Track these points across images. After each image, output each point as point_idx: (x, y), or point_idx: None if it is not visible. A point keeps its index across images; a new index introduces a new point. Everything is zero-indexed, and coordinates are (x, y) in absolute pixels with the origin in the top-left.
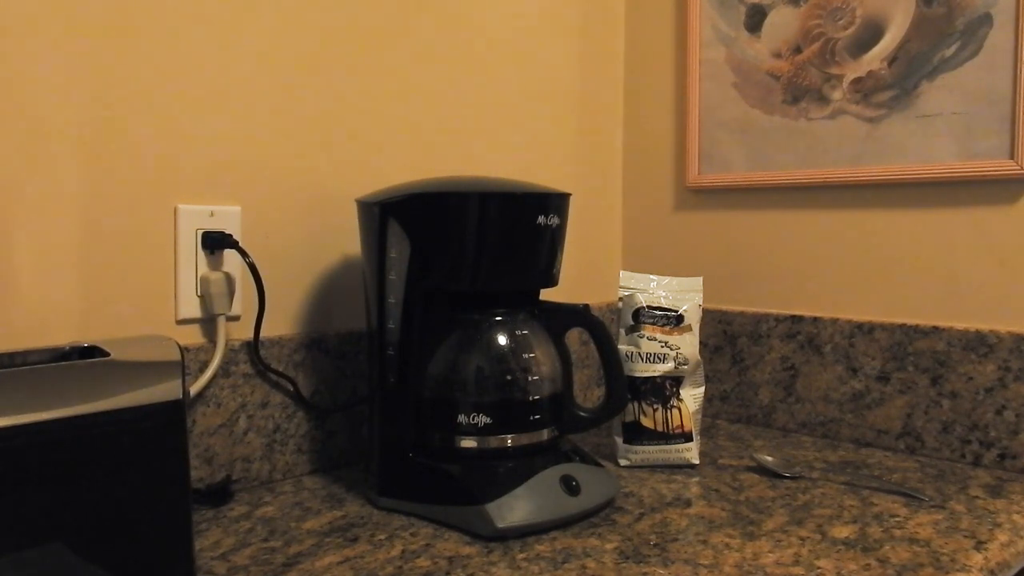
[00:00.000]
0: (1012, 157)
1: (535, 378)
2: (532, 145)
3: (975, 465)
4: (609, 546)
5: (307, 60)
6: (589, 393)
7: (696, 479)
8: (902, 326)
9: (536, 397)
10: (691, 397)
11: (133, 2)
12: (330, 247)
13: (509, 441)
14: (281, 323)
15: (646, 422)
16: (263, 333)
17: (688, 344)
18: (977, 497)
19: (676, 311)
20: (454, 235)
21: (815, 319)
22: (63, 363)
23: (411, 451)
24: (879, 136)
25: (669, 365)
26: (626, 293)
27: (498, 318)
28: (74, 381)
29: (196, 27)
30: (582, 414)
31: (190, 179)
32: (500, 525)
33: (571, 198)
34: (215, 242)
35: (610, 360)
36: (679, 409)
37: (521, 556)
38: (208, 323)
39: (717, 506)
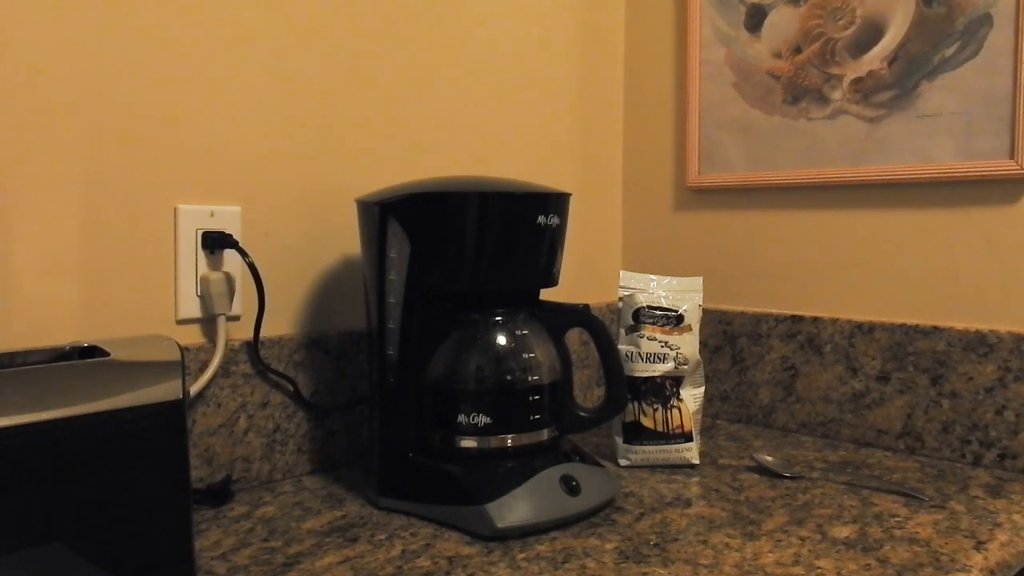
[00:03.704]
0: (1012, 157)
1: (535, 378)
2: (532, 145)
3: (975, 465)
4: (609, 546)
5: (307, 60)
6: (589, 393)
7: (696, 479)
8: (902, 326)
9: (536, 397)
10: (691, 397)
11: (133, 1)
12: (330, 247)
13: (509, 441)
14: (281, 323)
15: (646, 422)
16: (263, 333)
17: (688, 344)
18: (977, 497)
19: (676, 311)
20: (454, 235)
21: (815, 319)
22: (63, 363)
23: (411, 451)
24: (879, 136)
25: (669, 365)
26: (626, 293)
27: (498, 318)
28: (74, 381)
29: (197, 27)
30: (582, 414)
31: (190, 179)
32: (500, 525)
33: (571, 198)
34: (215, 242)
35: (610, 360)
36: (679, 409)
37: (521, 556)
38: (208, 323)
39: (717, 506)
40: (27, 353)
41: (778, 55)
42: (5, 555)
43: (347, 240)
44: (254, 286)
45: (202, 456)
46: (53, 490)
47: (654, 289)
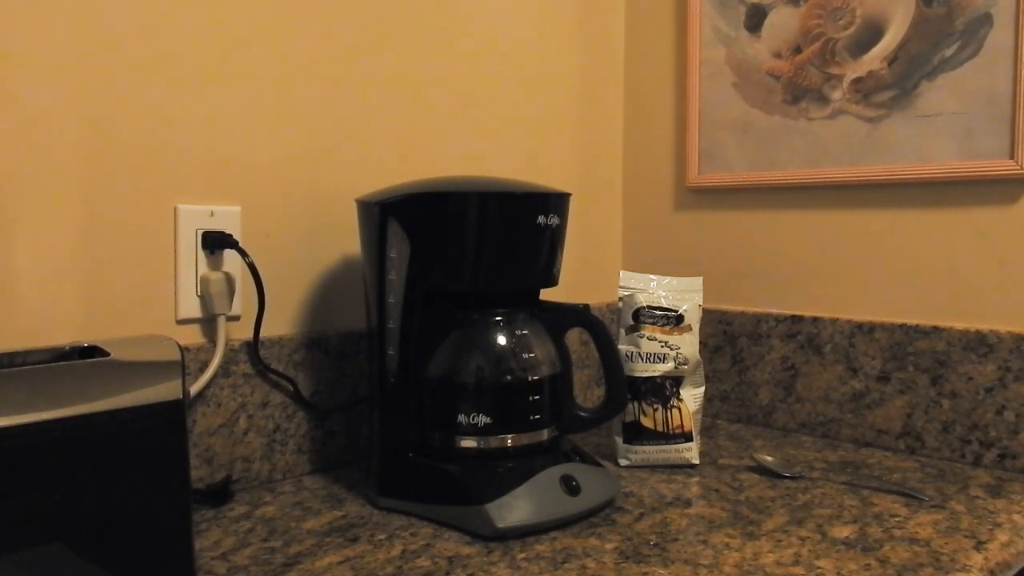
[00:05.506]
0: (1012, 157)
1: (535, 378)
2: (532, 145)
3: (975, 465)
4: (609, 546)
5: (307, 60)
6: (589, 393)
7: (696, 479)
8: (902, 326)
9: (536, 397)
10: (691, 397)
11: (132, 2)
12: (330, 247)
13: (509, 441)
14: (281, 323)
15: (646, 422)
16: (263, 333)
17: (688, 344)
18: (977, 497)
19: (676, 311)
20: (454, 235)
21: (815, 319)
22: (63, 363)
23: (411, 451)
24: (879, 136)
25: (669, 365)
26: (626, 293)
27: (498, 318)
28: (74, 381)
29: (196, 27)
30: (582, 414)
31: (190, 179)
32: (500, 525)
33: (571, 198)
34: (215, 242)
35: (610, 360)
36: (679, 409)
37: (521, 556)
38: (208, 323)
39: (717, 506)
40: (27, 353)
41: (778, 55)
42: (5, 555)
43: (347, 240)
44: (254, 286)
45: (202, 456)
46: (53, 490)
47: (654, 289)
